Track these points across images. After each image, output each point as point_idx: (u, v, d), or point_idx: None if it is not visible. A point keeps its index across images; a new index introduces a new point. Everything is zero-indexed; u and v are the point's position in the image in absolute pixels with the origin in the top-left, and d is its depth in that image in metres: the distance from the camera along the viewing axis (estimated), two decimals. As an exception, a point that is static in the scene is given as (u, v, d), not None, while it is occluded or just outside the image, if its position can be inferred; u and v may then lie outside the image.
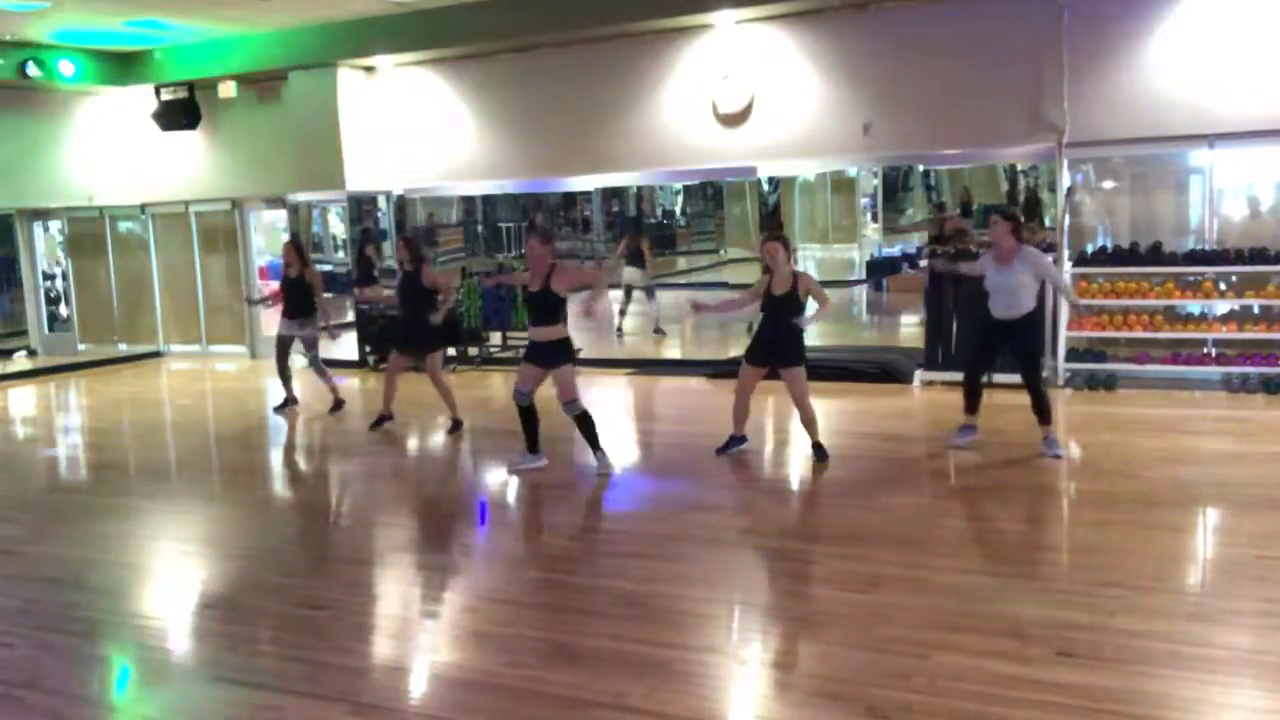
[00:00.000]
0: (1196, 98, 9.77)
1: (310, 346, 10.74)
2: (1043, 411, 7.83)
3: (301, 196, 14.67)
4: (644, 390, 11.95)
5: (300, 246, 11.03)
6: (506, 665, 4.69)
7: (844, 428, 9.41)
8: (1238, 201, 10.48)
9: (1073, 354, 10.38)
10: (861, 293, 19.35)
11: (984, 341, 8.16)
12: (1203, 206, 10.37)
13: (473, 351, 13.62)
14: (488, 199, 18.02)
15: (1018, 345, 7.90)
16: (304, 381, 11.41)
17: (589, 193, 20.23)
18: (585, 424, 7.89)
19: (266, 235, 15.91)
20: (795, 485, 7.85)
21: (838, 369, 11.14)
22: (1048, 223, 12.12)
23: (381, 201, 14.23)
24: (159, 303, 16.01)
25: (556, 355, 7.85)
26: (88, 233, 16.29)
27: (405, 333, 9.74)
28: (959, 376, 10.22)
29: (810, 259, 24.17)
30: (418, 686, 4.68)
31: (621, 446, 9.59)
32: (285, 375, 10.88)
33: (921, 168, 18.31)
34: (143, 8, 11.98)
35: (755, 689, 4.53)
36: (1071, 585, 5.44)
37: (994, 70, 10.50)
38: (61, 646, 5.19)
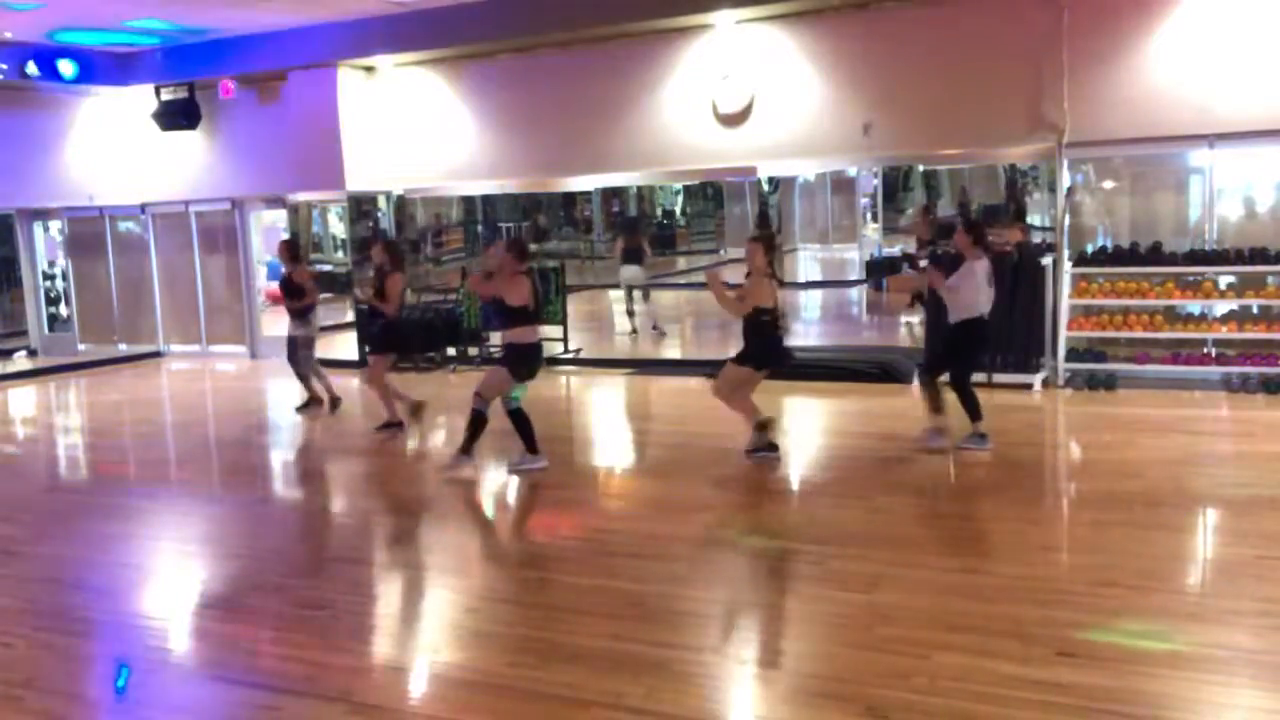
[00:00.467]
0: (1197, 98, 9.77)
1: (304, 346, 10.79)
2: (967, 410, 8.03)
3: (301, 196, 14.67)
4: (644, 390, 11.95)
5: (294, 246, 11.07)
6: (506, 665, 4.69)
7: (844, 428, 9.42)
8: (1238, 201, 10.48)
9: (1073, 354, 10.38)
10: (861, 293, 19.34)
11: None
12: (1203, 206, 10.36)
13: (473, 352, 13.62)
14: (488, 199, 18.01)
15: (953, 349, 8.13)
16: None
17: (589, 193, 20.24)
18: (475, 423, 7.94)
19: (265, 235, 15.93)
20: (795, 485, 7.85)
21: (837, 369, 11.14)
22: (1045, 222, 12.14)
23: (381, 201, 14.23)
24: (159, 303, 16.01)
25: (511, 356, 7.96)
26: (88, 233, 16.29)
27: (382, 334, 9.84)
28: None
29: (810, 259, 24.20)
30: (418, 686, 4.68)
31: (621, 446, 9.60)
32: (301, 376, 10.90)
33: (921, 167, 18.30)
34: (143, 8, 11.97)
35: (755, 689, 4.53)
36: (1071, 585, 5.44)
37: (994, 70, 10.50)
38: (61, 646, 5.20)
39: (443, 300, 14.32)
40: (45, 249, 16.62)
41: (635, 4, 11.50)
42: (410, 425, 9.67)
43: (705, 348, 14.62)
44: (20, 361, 15.98)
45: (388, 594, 5.97)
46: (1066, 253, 10.44)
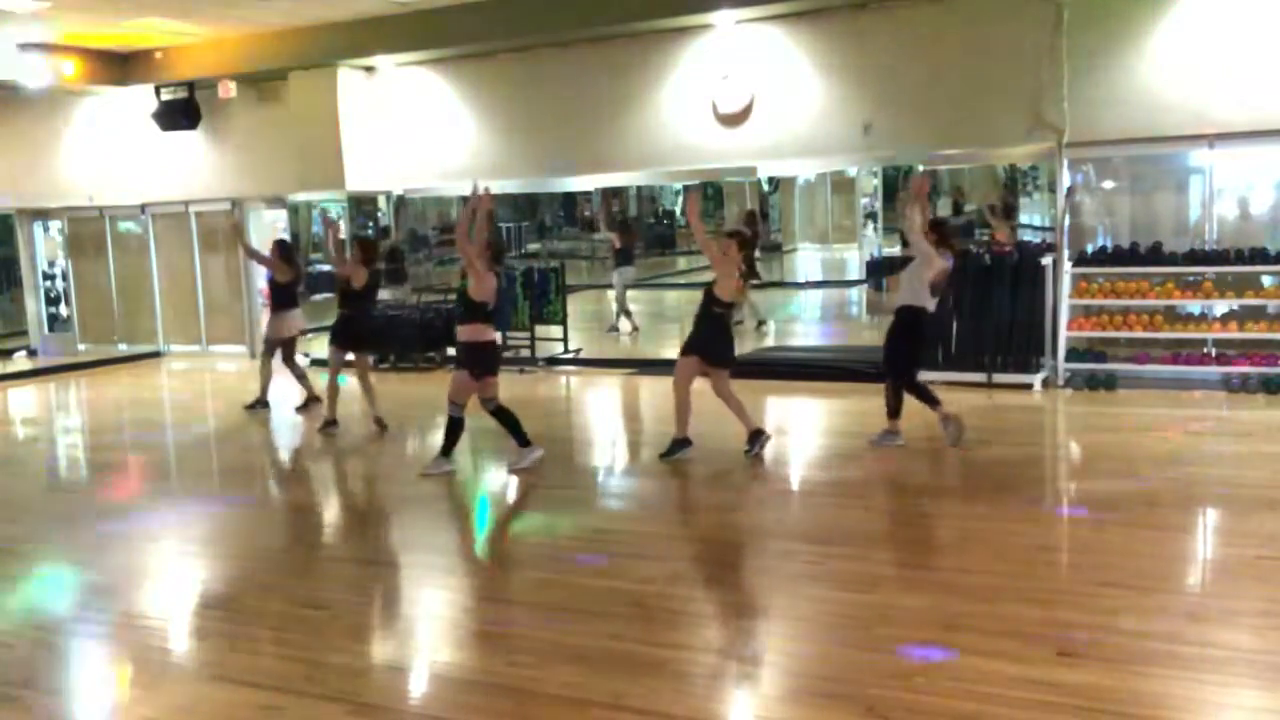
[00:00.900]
0: (1196, 98, 9.77)
1: (276, 338, 10.90)
2: (891, 408, 8.17)
3: (301, 196, 14.67)
4: (643, 390, 11.94)
5: (282, 247, 11.10)
6: (506, 665, 4.70)
7: (843, 428, 9.42)
8: (1237, 201, 10.47)
9: (1073, 354, 10.38)
10: (861, 293, 19.34)
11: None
12: (1202, 206, 10.36)
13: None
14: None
15: (889, 340, 8.25)
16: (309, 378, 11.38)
17: (589, 193, 20.24)
18: (452, 428, 7.95)
19: (263, 235, 15.93)
20: (795, 485, 7.85)
21: (838, 369, 11.14)
22: (1045, 222, 12.13)
23: (381, 201, 14.23)
24: (159, 303, 16.01)
25: (465, 356, 7.94)
26: (88, 233, 16.29)
27: (354, 331, 9.89)
28: (959, 376, 10.29)
29: (810, 259, 24.20)
30: (418, 686, 4.68)
31: (621, 446, 9.60)
32: (298, 374, 10.92)
33: (921, 167, 18.30)
34: (143, 8, 11.97)
35: (755, 689, 4.53)
36: (1071, 585, 5.45)
37: (994, 70, 10.49)
38: (61, 646, 5.20)
39: (443, 300, 14.30)
40: (45, 249, 16.64)
41: (635, 4, 11.51)
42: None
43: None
44: (20, 361, 15.99)
45: (387, 594, 5.96)
46: (1066, 253, 10.43)
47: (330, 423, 9.71)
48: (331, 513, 7.97)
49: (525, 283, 13.07)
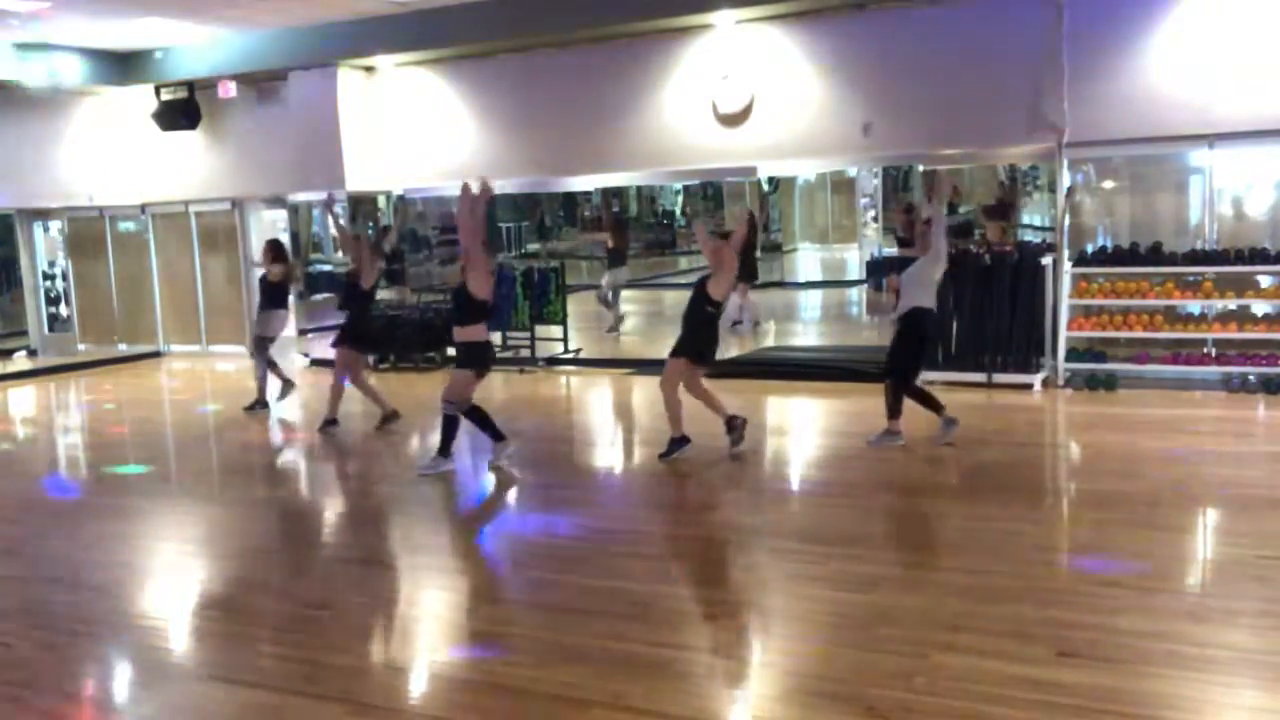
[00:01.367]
0: (1196, 98, 9.77)
1: (263, 335, 10.95)
2: (891, 408, 8.12)
3: (301, 196, 14.67)
4: (643, 390, 11.94)
5: (274, 246, 11.16)
6: (507, 665, 4.69)
7: (843, 428, 9.42)
8: (1238, 201, 10.48)
9: (1073, 354, 10.38)
10: (861, 293, 19.35)
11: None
12: (1203, 206, 10.37)
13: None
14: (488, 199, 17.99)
15: (896, 340, 8.17)
16: (305, 379, 11.40)
17: (589, 193, 20.24)
18: (448, 426, 7.98)
19: (264, 235, 15.94)
20: (795, 486, 7.85)
21: (837, 369, 11.14)
22: (1045, 222, 12.12)
23: (381, 201, 14.23)
24: (159, 303, 16.01)
25: (461, 355, 7.96)
26: (88, 233, 16.29)
27: (352, 331, 9.86)
28: (959, 376, 10.30)
29: (811, 259, 24.20)
30: (418, 686, 4.68)
31: (621, 446, 9.60)
32: (276, 370, 10.99)
33: (921, 167, 18.30)
34: (143, 8, 11.97)
35: (755, 689, 4.53)
36: (1071, 585, 5.45)
37: (994, 70, 10.49)
38: (61, 646, 5.19)
39: (443, 300, 14.30)
40: (45, 249, 16.64)
41: (635, 4, 11.51)
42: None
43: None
44: (20, 361, 15.98)
45: (387, 594, 5.96)
46: (1066, 253, 10.43)
47: (331, 422, 9.72)
48: (331, 513, 7.96)
49: (525, 283, 13.07)
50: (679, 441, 8.06)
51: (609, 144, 12.47)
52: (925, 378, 10.82)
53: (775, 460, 8.65)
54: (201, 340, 15.77)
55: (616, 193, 20.61)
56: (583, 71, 12.50)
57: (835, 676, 4.45)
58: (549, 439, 8.33)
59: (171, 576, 6.35)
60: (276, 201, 14.93)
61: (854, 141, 11.32)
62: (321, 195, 14.36)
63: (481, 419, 8.08)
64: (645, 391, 11.85)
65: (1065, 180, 10.53)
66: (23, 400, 13.41)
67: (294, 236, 14.80)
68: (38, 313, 16.59)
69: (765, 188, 21.12)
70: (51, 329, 16.66)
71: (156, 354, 15.92)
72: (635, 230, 19.02)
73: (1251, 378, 9.73)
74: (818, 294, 20.60)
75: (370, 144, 13.75)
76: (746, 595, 5.65)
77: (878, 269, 19.20)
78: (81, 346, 16.37)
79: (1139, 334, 10.16)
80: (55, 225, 16.51)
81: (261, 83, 14.19)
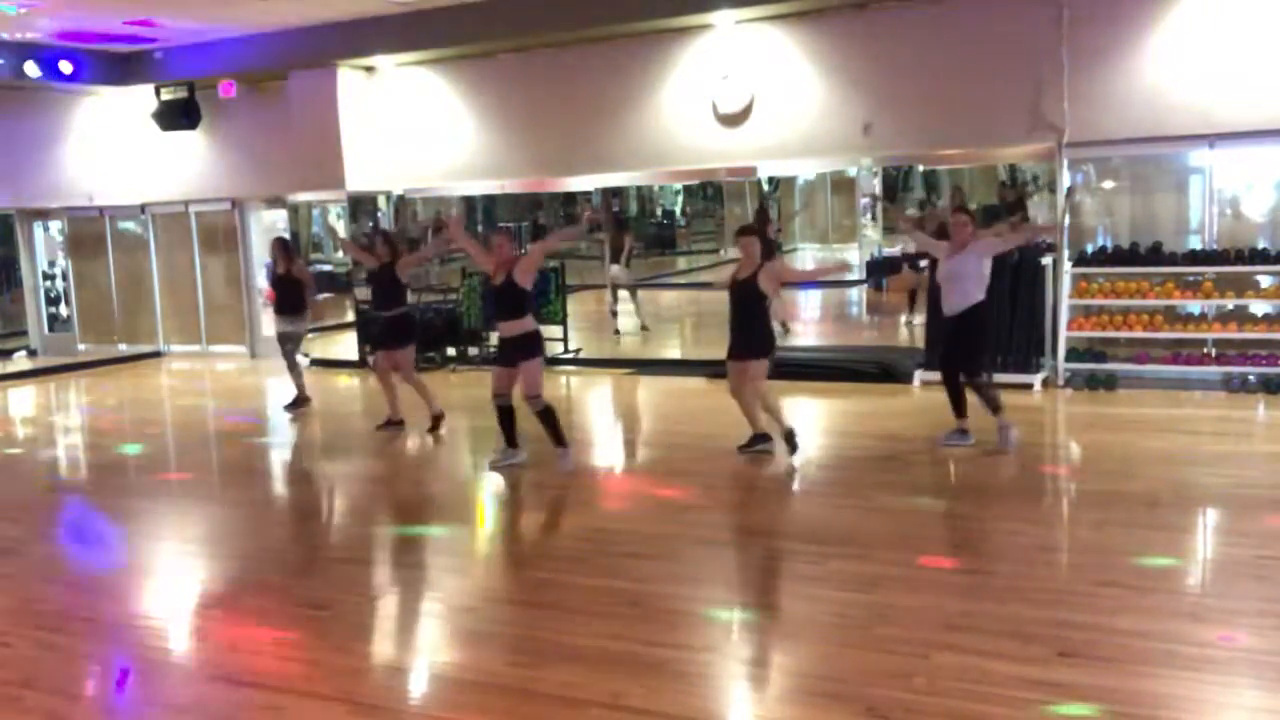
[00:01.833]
0: (1197, 98, 9.77)
1: (290, 340, 10.88)
2: (987, 403, 7.98)
3: (301, 196, 14.67)
4: (643, 390, 11.95)
5: (287, 244, 11.11)
6: (506, 665, 4.70)
7: (844, 428, 9.42)
8: (1238, 201, 10.48)
9: (1073, 354, 10.38)
10: (861, 293, 19.33)
11: (947, 342, 8.21)
12: (1203, 206, 10.36)
13: (473, 351, 13.62)
14: (488, 199, 18.01)
15: (963, 339, 8.01)
16: (311, 378, 11.39)
17: (589, 193, 20.21)
18: (548, 419, 7.93)
19: (266, 235, 15.94)
20: (795, 485, 7.85)
21: (837, 369, 11.14)
22: (1045, 221, 12.12)
23: (381, 201, 14.23)
24: (159, 303, 16.01)
25: (524, 349, 7.89)
26: (88, 233, 16.29)
27: (382, 328, 9.75)
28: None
29: (810, 259, 24.17)
30: (418, 686, 4.68)
31: (621, 446, 9.60)
32: (296, 373, 10.93)
33: (921, 167, 18.32)
34: (142, 7, 11.97)
35: (755, 689, 4.53)
36: (1071, 585, 5.44)
37: (994, 70, 10.49)
38: (61, 646, 5.19)
39: (443, 300, 14.31)
40: (45, 249, 16.65)
41: (635, 4, 11.50)
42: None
43: (705, 348, 14.62)
44: (20, 361, 15.99)
45: (388, 594, 5.97)
46: (1066, 253, 10.43)
47: (437, 418, 9.55)
48: (331, 512, 7.96)
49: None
50: (761, 438, 8.03)
51: (609, 144, 12.47)
52: (925, 377, 10.86)
53: (775, 460, 8.64)
54: (201, 340, 15.77)
55: (616, 193, 20.58)
56: (583, 71, 12.49)
57: (835, 676, 4.45)
58: (547, 438, 8.32)
59: (172, 576, 6.35)
60: (276, 201, 14.92)
61: (854, 141, 11.31)
62: (321, 195, 14.41)
63: (509, 423, 8.05)
64: (645, 391, 11.87)
65: (1065, 180, 10.53)
66: (23, 400, 13.41)
67: (294, 236, 14.76)
68: (38, 313, 16.60)
69: (765, 187, 21.13)
70: (51, 329, 16.66)
71: (157, 354, 15.91)
72: (635, 231, 19.03)
73: (1251, 378, 9.73)
74: (817, 294, 20.59)
75: (370, 144, 13.75)
76: (746, 595, 5.65)
77: (878, 269, 19.20)
78: (81, 346, 16.37)
79: (1139, 334, 10.16)
80: (55, 225, 16.51)
81: (261, 83, 14.19)
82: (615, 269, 15.16)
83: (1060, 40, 10.12)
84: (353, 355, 13.71)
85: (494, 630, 5.14)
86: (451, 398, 10.74)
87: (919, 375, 10.93)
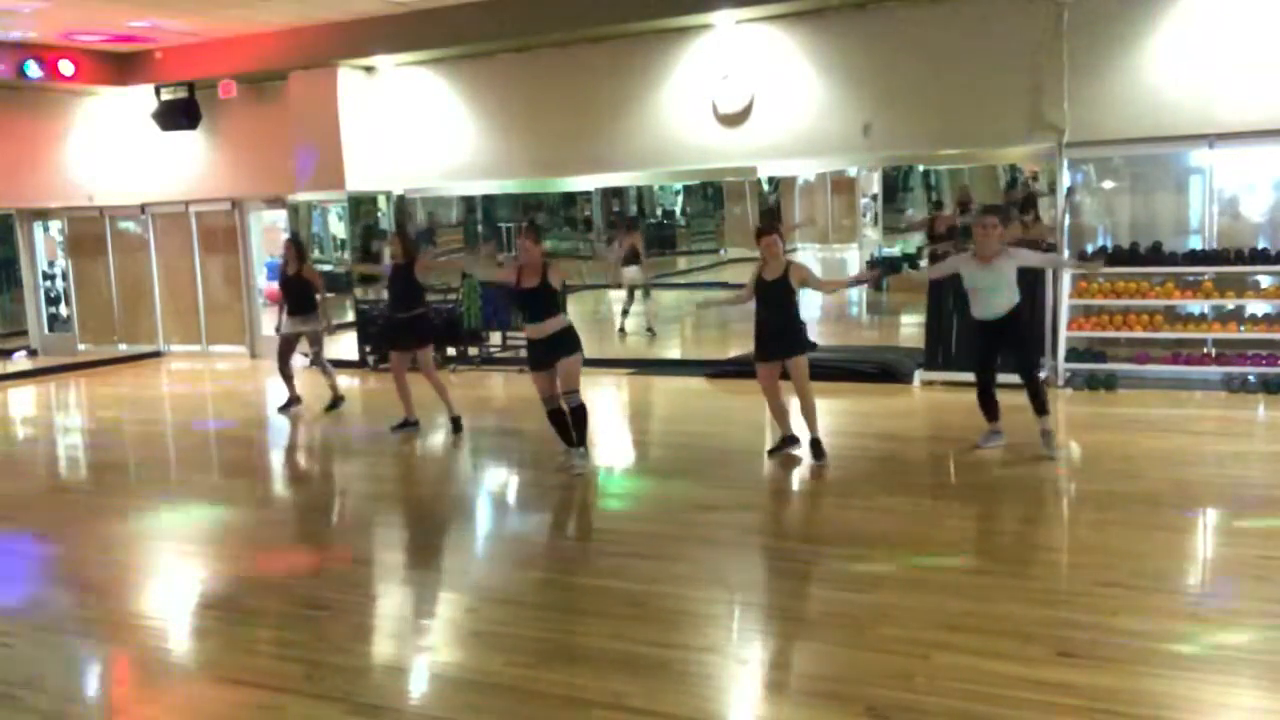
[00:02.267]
0: (1196, 98, 9.77)
1: (315, 343, 10.77)
2: (1039, 402, 7.78)
3: (301, 196, 14.67)
4: (644, 390, 11.95)
5: (300, 244, 11.06)
6: (506, 665, 4.69)
7: (844, 428, 9.41)
8: (1238, 201, 10.48)
9: (1073, 354, 10.38)
10: (861, 293, 19.32)
11: (982, 347, 8.05)
12: (1203, 206, 10.36)
13: (473, 351, 13.62)
14: (488, 199, 18.01)
15: (1014, 339, 7.86)
16: (305, 381, 11.39)
17: (589, 193, 20.21)
18: (579, 416, 7.87)
19: (266, 235, 15.92)
20: (795, 485, 7.85)
21: (838, 369, 11.14)
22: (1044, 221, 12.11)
23: (381, 201, 14.23)
24: (159, 303, 16.01)
25: (564, 346, 7.82)
26: (88, 233, 16.29)
27: (399, 329, 9.71)
28: (959, 377, 10.27)
29: (810, 259, 24.17)
30: (418, 686, 4.68)
31: (621, 446, 9.59)
32: (288, 375, 10.87)
33: (922, 167, 18.30)
34: (143, 8, 11.97)
35: (755, 689, 4.53)
36: (1071, 585, 5.45)
37: (994, 70, 10.49)
38: (61, 646, 5.19)
39: (442, 300, 14.30)
40: (45, 249, 16.65)
41: (635, 4, 11.50)
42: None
43: (705, 348, 14.63)
44: (20, 361, 15.98)
45: (388, 594, 5.97)
46: (1066, 253, 10.43)
47: (456, 421, 9.52)
48: (331, 512, 7.96)
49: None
50: (790, 440, 8.00)
51: (609, 144, 12.47)
52: (925, 377, 10.87)
53: (775, 460, 8.64)
54: (201, 340, 15.77)
55: (616, 193, 20.58)
56: (583, 71, 12.49)
57: (835, 676, 4.45)
58: (549, 439, 8.32)
59: (172, 576, 6.35)
60: (276, 201, 14.92)
61: (854, 141, 11.31)
62: (321, 195, 14.41)
63: (564, 424, 7.95)
64: (645, 391, 11.87)
65: (1065, 180, 10.53)
66: (23, 400, 13.41)
67: (293, 235, 14.76)
68: (38, 313, 16.60)
69: (765, 187, 21.12)
70: (51, 329, 16.66)
71: (157, 354, 15.92)
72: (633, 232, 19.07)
73: (1251, 378, 9.73)
74: (817, 294, 20.56)
75: (370, 144, 13.74)
76: (747, 595, 5.65)
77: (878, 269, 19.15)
78: (81, 346, 16.37)
79: (1139, 334, 10.16)
80: (55, 225, 16.51)
81: (261, 83, 14.19)
82: (631, 270, 15.15)
83: (1060, 40, 10.12)
84: (353, 355, 13.71)
85: (494, 630, 5.14)
86: (451, 397, 10.71)
87: (919, 375, 10.94)
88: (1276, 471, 7.40)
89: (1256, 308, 9.96)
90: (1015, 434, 8.23)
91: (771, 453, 8.12)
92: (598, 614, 5.24)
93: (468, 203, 18.01)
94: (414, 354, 9.52)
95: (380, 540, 7.00)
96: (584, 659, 4.72)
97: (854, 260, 21.33)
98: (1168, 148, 10.29)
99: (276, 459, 9.78)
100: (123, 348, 16.07)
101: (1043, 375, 8.08)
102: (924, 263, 12.31)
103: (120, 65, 14.44)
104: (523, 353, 13.01)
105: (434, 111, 13.43)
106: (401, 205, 14.26)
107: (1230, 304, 10.01)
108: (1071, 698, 4.11)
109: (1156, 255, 10.15)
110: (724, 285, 18.50)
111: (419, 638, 5.24)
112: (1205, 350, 10.11)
